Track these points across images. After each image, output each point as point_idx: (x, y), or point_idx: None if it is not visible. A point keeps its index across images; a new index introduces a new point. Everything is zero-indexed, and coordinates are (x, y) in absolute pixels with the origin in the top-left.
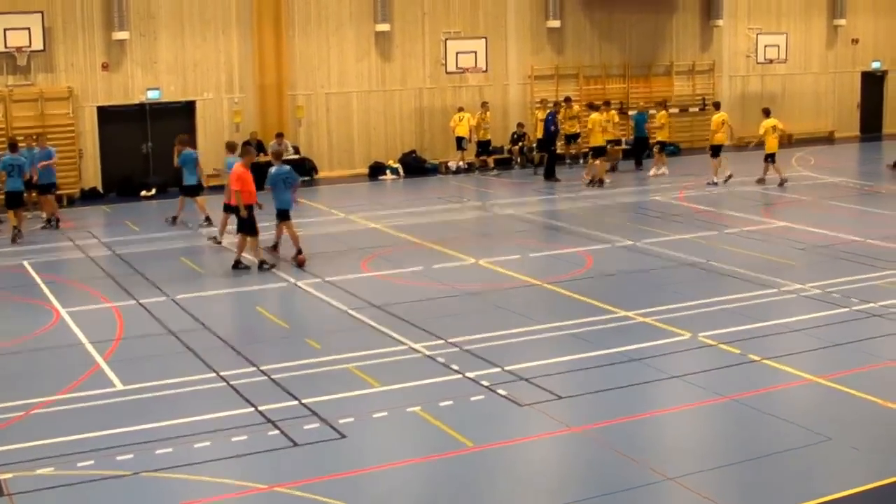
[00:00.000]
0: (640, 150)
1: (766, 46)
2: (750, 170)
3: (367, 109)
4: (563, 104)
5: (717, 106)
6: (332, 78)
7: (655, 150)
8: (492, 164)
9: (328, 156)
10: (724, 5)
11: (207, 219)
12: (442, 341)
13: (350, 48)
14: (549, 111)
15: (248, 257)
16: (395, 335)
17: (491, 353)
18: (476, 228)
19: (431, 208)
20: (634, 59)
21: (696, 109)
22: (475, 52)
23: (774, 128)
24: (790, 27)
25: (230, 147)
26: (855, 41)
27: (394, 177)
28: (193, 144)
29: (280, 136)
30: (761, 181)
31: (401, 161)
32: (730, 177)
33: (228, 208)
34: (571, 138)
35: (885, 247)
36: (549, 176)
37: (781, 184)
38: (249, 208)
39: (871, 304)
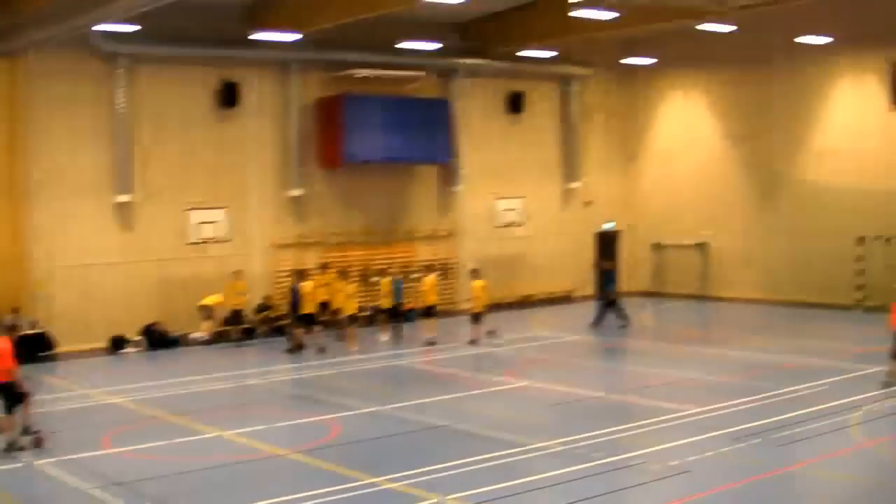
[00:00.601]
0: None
1: (504, 210)
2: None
3: (108, 281)
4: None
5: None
6: (69, 250)
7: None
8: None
9: (68, 329)
10: (464, 172)
11: None
12: None
13: (89, 218)
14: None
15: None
16: None
17: None
18: (221, 400)
19: (175, 381)
20: (376, 226)
21: (441, 272)
22: (215, 222)
23: (483, 288)
24: (527, 191)
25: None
26: (588, 203)
27: (136, 349)
28: None
29: (16, 310)
30: (474, 342)
31: (144, 333)
32: (491, 332)
33: None
34: (324, 306)
35: (625, 401)
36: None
37: (473, 342)
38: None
39: (615, 458)
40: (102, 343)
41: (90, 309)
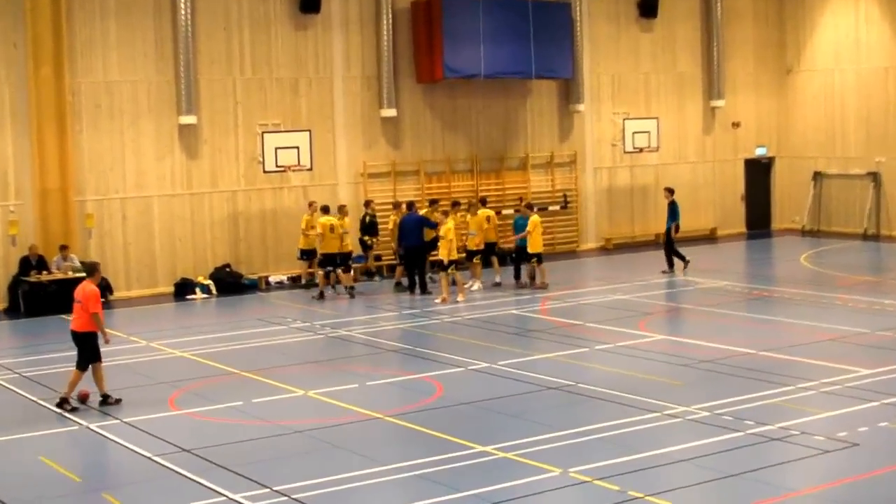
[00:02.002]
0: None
1: (634, 133)
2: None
3: (171, 216)
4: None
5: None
6: (128, 180)
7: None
8: (348, 283)
9: (125, 272)
10: (587, 88)
11: None
12: (267, 490)
13: (149, 144)
14: (407, 213)
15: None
16: (209, 484)
17: (326, 502)
18: (304, 354)
19: (251, 331)
20: (483, 152)
21: (557, 208)
22: (297, 148)
23: (536, 225)
24: (661, 111)
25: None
26: (735, 125)
27: (205, 296)
28: None
29: (64, 248)
30: (544, 285)
31: (212, 277)
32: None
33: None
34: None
35: (779, 359)
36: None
37: (543, 286)
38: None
39: (768, 427)
40: (165, 288)
41: (151, 248)
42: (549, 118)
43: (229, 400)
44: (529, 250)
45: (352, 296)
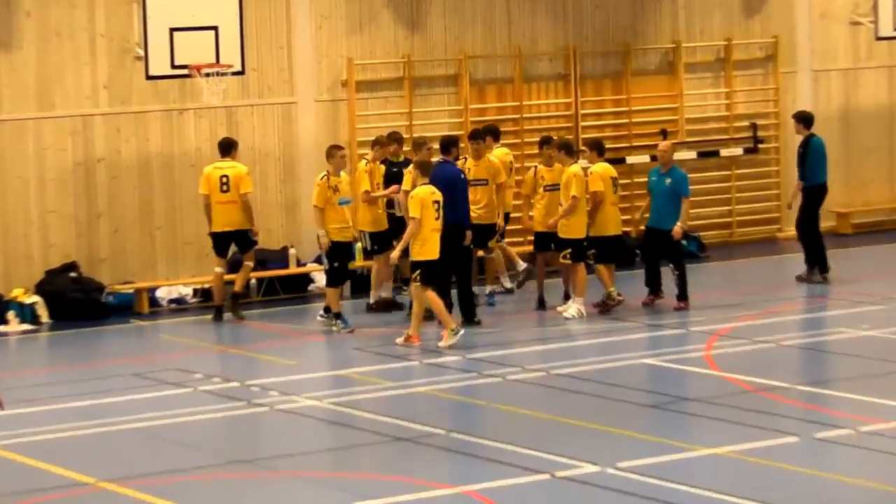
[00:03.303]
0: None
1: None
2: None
3: None
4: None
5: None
6: None
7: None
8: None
9: None
10: None
11: None
12: None
13: None
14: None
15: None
16: None
17: None
18: (227, 447)
19: (119, 399)
20: (590, 41)
21: (738, 152)
22: (215, 30)
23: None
24: None
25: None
26: None
27: (26, 326)
28: None
29: None
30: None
31: (41, 291)
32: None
33: None
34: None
35: None
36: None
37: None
38: None
39: None
40: None
41: None
42: None
43: None
44: (561, 234)
45: (344, 324)
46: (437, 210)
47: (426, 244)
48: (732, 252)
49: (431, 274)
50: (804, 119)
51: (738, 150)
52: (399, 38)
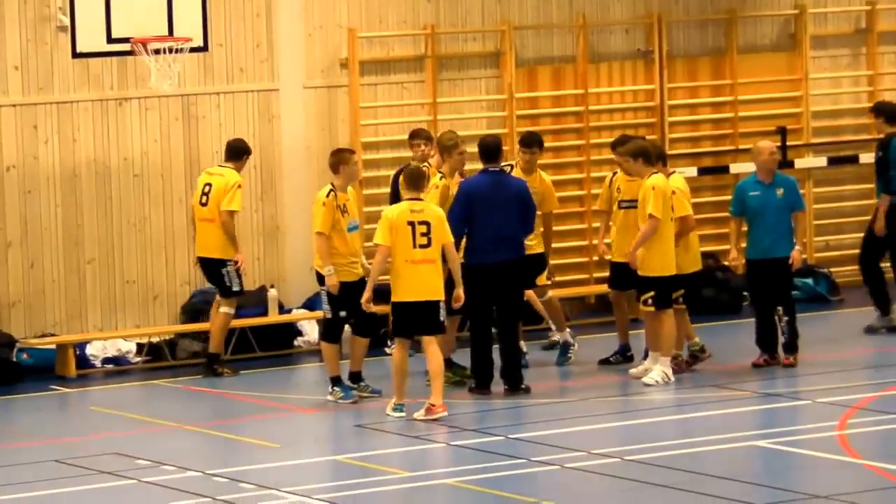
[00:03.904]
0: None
1: None
2: None
3: None
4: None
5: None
6: None
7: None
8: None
9: None
10: None
11: None
12: None
13: None
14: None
15: None
16: None
17: None
18: None
19: (35, 496)
20: (680, 8)
21: (872, 157)
22: None
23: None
24: None
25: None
26: None
27: None
28: None
29: None
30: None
31: None
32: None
33: None
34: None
35: None
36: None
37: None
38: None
39: None
40: None
41: None
42: None
43: None
44: (641, 271)
45: (345, 393)
46: (424, 235)
47: (399, 280)
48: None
49: (403, 322)
50: (887, 112)
51: (872, 157)
52: (419, 3)
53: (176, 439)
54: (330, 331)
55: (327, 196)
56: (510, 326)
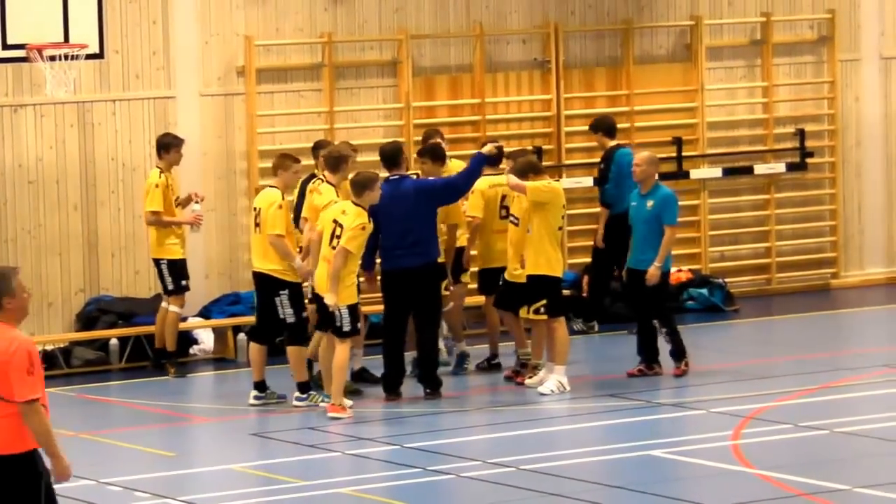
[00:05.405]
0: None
1: None
2: None
3: None
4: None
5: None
6: None
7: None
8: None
9: None
10: None
11: None
12: None
13: None
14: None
15: None
16: None
17: None
18: None
19: None
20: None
21: (780, 169)
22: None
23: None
24: None
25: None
26: None
27: None
28: None
29: None
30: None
31: None
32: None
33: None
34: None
35: None
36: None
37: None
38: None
39: None
40: None
41: None
42: None
43: None
44: (529, 270)
45: (325, 397)
46: (334, 237)
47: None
48: (771, 305)
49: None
50: (604, 127)
51: (780, 167)
52: (317, 11)
53: (69, 448)
54: (296, 334)
55: (283, 199)
56: (425, 330)
